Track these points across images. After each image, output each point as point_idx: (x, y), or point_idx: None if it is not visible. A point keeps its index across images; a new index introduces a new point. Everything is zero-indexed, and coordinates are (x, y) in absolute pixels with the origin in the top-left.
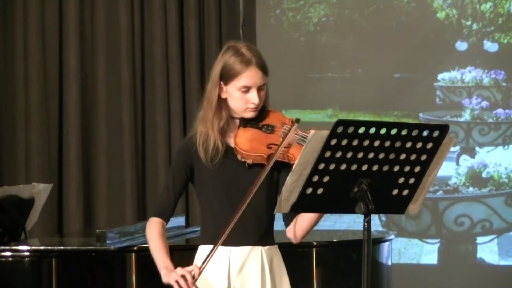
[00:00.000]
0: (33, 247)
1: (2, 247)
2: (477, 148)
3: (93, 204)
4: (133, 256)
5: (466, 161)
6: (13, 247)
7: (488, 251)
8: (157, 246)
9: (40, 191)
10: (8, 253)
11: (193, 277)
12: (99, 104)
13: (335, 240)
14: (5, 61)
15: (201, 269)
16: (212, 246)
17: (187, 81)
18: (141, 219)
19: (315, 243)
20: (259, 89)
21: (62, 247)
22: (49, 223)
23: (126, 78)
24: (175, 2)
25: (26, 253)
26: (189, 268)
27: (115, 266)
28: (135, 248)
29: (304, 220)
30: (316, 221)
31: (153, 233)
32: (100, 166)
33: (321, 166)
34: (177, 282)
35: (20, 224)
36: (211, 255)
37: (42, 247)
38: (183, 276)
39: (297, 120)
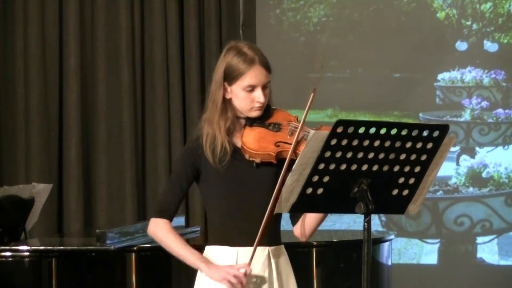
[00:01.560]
0: (33, 247)
1: (2, 247)
2: (477, 148)
3: (93, 204)
4: (133, 256)
5: (466, 161)
6: (13, 247)
7: (488, 251)
8: (179, 244)
9: (40, 191)
10: (8, 253)
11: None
12: (99, 104)
13: (335, 240)
14: (5, 61)
15: (249, 267)
16: (219, 246)
17: (187, 81)
18: (141, 219)
19: (315, 243)
20: (264, 87)
21: (62, 247)
22: (49, 223)
23: (126, 78)
24: (175, 2)
25: (26, 253)
26: (239, 266)
27: (115, 266)
28: (135, 248)
29: (311, 218)
30: (322, 218)
31: (166, 232)
32: (100, 166)
33: (321, 166)
34: (229, 282)
35: (20, 224)
36: (252, 255)
37: (42, 247)
38: (236, 277)
39: (314, 90)
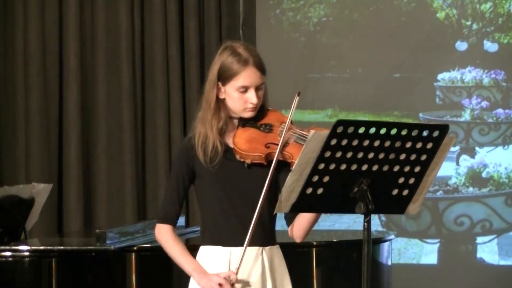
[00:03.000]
0: (33, 247)
1: (2, 247)
2: (477, 148)
3: (93, 204)
4: (133, 256)
5: (466, 161)
6: (13, 247)
7: (488, 251)
8: (178, 251)
9: (40, 191)
10: (8, 253)
11: (232, 283)
12: (99, 104)
13: (335, 240)
14: (5, 61)
15: (237, 273)
16: (213, 246)
17: (187, 81)
18: (141, 219)
19: (315, 243)
20: (257, 89)
21: (62, 247)
22: (49, 223)
23: (126, 78)
24: (175, 2)
25: (26, 253)
26: (224, 274)
27: (115, 266)
28: (135, 248)
29: (303, 219)
30: (316, 220)
31: (168, 239)
32: (100, 166)
33: (321, 166)
34: None
35: (20, 224)
36: (242, 256)
37: (42, 247)
38: (220, 285)
39: (299, 93)
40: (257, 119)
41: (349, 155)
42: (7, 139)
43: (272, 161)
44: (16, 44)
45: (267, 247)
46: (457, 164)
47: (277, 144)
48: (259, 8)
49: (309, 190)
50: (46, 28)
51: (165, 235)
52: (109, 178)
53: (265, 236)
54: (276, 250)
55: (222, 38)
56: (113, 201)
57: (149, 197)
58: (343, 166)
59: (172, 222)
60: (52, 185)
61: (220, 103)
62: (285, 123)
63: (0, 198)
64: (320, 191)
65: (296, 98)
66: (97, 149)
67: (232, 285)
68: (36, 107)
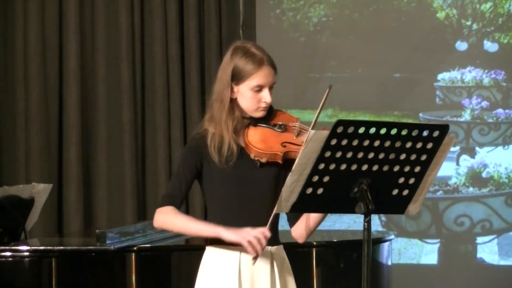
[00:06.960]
0: (33, 247)
1: (2, 247)
2: (477, 148)
3: (93, 204)
4: (133, 256)
5: (466, 161)
6: (13, 247)
7: (488, 251)
8: (191, 221)
9: (40, 191)
10: (8, 253)
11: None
12: (99, 104)
13: (335, 240)
14: (5, 61)
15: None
16: (221, 249)
17: (187, 81)
18: (141, 219)
19: (315, 243)
20: (270, 88)
21: (62, 247)
22: (49, 223)
23: (126, 78)
24: (175, 2)
25: (26, 253)
26: (260, 230)
27: (115, 266)
28: (135, 248)
29: (309, 219)
30: (321, 220)
31: (174, 215)
32: (100, 166)
33: (321, 166)
34: (250, 242)
35: (20, 224)
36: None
37: (42, 247)
38: (256, 238)
39: (330, 86)
40: (267, 119)
41: (349, 155)
42: (7, 139)
43: (288, 160)
44: (16, 44)
45: (274, 247)
46: (457, 164)
47: (295, 144)
48: (259, 8)
49: (309, 190)
50: (46, 28)
51: (170, 214)
52: (109, 178)
53: (272, 236)
54: (281, 250)
55: (222, 38)
56: (113, 201)
57: (149, 197)
58: (343, 166)
59: (175, 204)
60: (52, 185)
61: (233, 103)
62: (296, 123)
63: (0, 198)
64: (320, 191)
65: (327, 91)
66: (97, 149)
67: (265, 238)
68: (36, 107)
